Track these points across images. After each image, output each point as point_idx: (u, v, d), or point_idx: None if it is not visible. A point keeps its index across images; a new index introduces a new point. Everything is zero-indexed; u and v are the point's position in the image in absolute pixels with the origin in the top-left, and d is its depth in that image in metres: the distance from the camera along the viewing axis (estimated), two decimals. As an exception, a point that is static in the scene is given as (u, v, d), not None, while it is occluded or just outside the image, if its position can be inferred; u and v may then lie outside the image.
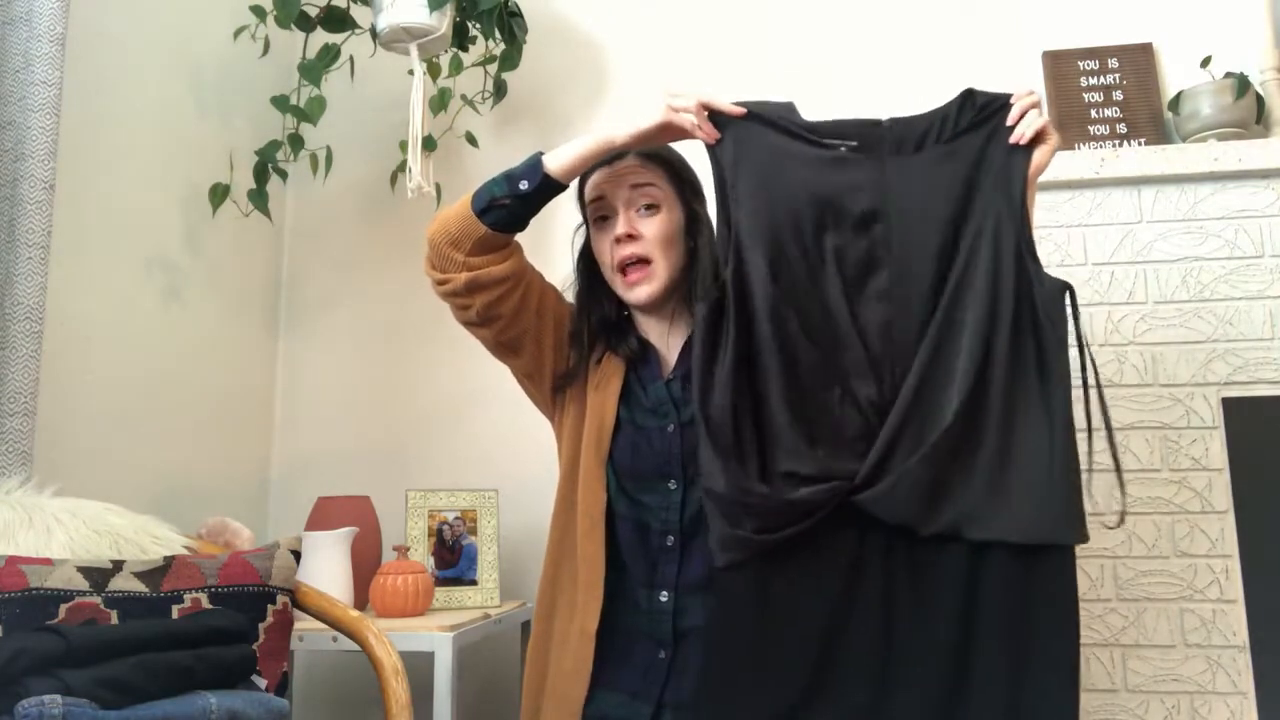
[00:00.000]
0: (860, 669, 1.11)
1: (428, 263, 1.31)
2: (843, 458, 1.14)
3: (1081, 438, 1.15)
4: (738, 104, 1.22)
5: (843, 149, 1.20)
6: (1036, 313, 1.15)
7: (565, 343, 1.38)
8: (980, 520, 1.11)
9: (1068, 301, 1.16)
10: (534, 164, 1.26)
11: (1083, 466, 1.13)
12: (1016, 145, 1.19)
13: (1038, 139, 1.19)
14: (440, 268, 1.29)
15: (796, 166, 1.20)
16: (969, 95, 1.21)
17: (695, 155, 1.32)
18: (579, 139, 1.26)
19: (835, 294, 1.18)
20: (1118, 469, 1.22)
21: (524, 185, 1.25)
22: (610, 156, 1.38)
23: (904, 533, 1.13)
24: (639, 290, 1.33)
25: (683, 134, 1.24)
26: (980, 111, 1.21)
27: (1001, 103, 1.21)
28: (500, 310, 1.30)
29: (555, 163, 1.25)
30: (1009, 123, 1.20)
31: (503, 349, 1.35)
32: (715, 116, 1.22)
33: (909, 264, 1.18)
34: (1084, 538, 1.12)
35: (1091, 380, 1.18)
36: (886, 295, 1.18)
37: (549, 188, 1.26)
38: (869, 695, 1.11)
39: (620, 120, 1.25)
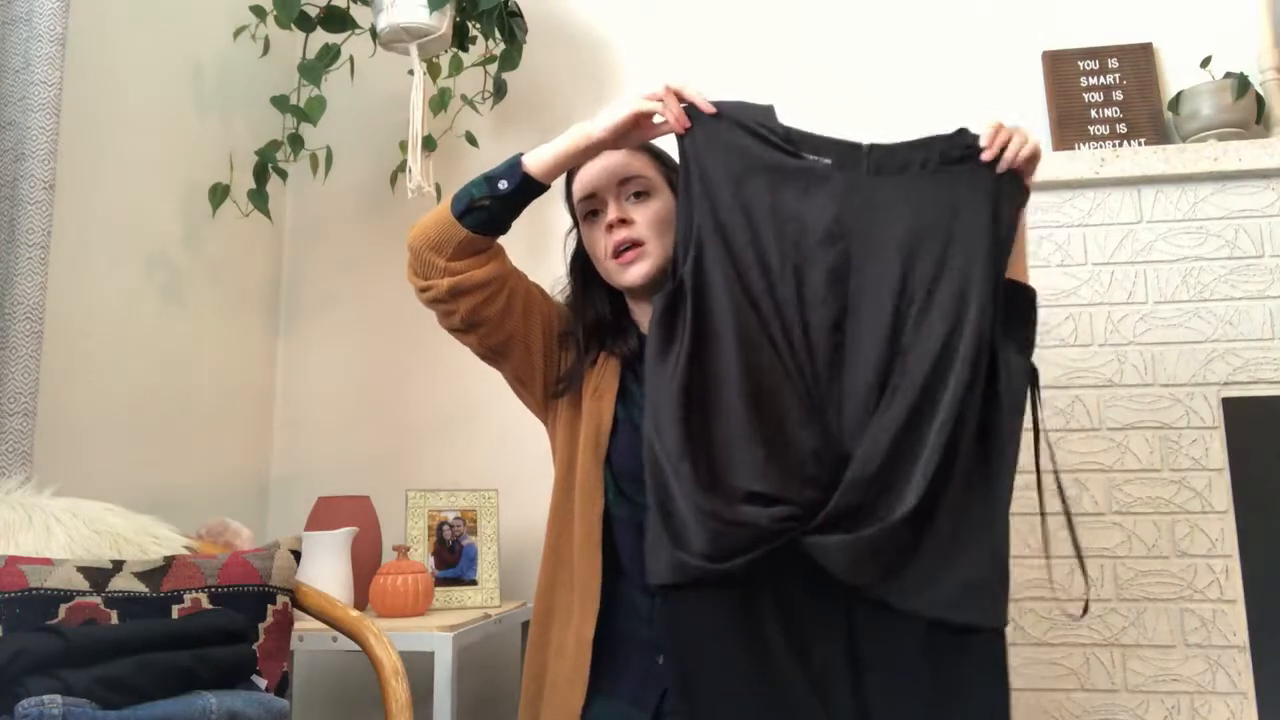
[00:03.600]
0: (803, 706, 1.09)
1: (410, 270, 1.29)
2: (794, 480, 1.09)
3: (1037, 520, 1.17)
4: (714, 103, 1.20)
5: (816, 162, 1.17)
6: (998, 390, 1.12)
7: (555, 344, 1.37)
8: (926, 594, 1.09)
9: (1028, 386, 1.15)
10: (513, 164, 1.24)
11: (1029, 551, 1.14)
12: (1004, 181, 1.16)
13: (1030, 162, 1.18)
14: (422, 274, 1.27)
15: (765, 171, 1.17)
16: (962, 131, 1.19)
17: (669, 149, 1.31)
18: (557, 138, 1.24)
19: (790, 310, 1.14)
20: (1069, 523, 1.24)
21: (503, 185, 1.23)
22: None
23: (849, 591, 1.10)
24: (634, 270, 1.31)
25: (656, 129, 1.23)
26: (969, 148, 1.18)
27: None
28: (485, 315, 1.28)
29: (534, 162, 1.23)
30: (985, 155, 1.17)
31: (491, 354, 1.34)
32: (690, 110, 1.20)
33: (866, 295, 1.14)
34: (1002, 620, 1.13)
35: (1047, 466, 1.19)
36: (840, 324, 1.14)
37: (529, 188, 1.24)
38: None
39: (596, 116, 1.24)
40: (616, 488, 1.30)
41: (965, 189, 1.17)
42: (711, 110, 1.20)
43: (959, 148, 1.18)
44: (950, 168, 1.17)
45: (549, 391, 1.36)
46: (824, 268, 1.15)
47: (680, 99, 1.21)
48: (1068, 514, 1.21)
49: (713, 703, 1.09)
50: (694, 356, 1.12)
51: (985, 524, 1.11)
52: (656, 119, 1.22)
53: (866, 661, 1.10)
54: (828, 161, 1.17)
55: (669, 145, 1.28)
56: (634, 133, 1.24)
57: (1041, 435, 1.19)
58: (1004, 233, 1.16)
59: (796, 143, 1.18)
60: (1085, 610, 1.29)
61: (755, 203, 1.16)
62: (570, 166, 1.28)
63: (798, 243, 1.15)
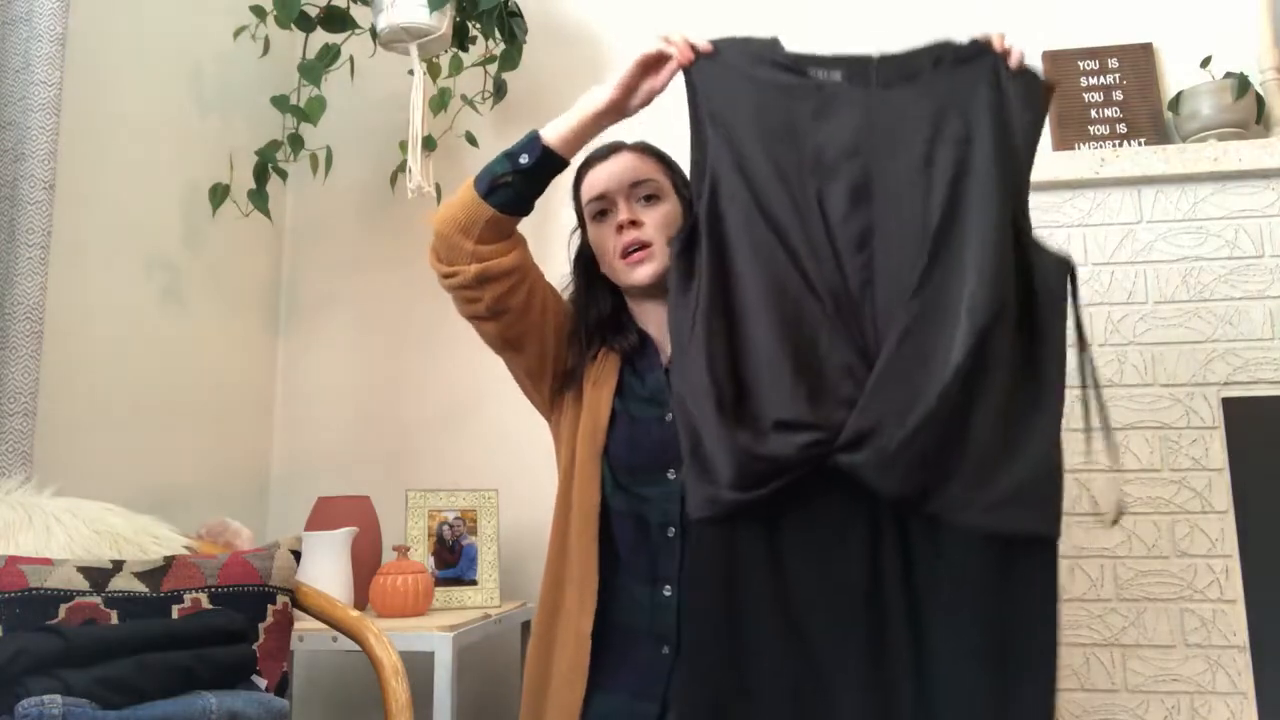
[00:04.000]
0: (837, 650, 1.06)
1: (433, 255, 1.29)
2: (826, 403, 1.06)
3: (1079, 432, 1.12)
4: (716, 41, 1.19)
5: (826, 78, 1.14)
6: (1032, 286, 1.09)
7: (565, 341, 1.38)
8: (968, 505, 1.05)
9: (1068, 280, 1.11)
10: (531, 138, 1.24)
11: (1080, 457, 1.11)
12: (1018, 80, 1.13)
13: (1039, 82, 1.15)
14: (448, 259, 1.27)
15: (776, 97, 1.14)
16: (970, 40, 1.16)
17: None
18: (571, 109, 1.24)
19: (816, 233, 1.10)
20: (1107, 433, 1.19)
21: (524, 160, 1.23)
22: (606, 152, 1.39)
23: (891, 508, 1.06)
24: (641, 270, 1.32)
25: (663, 73, 1.20)
26: (977, 46, 1.15)
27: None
28: (509, 303, 1.29)
29: (553, 134, 1.23)
30: (996, 45, 1.15)
31: (507, 345, 1.34)
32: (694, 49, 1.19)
33: (890, 207, 1.10)
34: (1060, 532, 1.08)
35: (1088, 367, 1.14)
36: (868, 240, 1.10)
37: (549, 161, 1.24)
38: (836, 671, 1.06)
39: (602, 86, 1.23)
40: (614, 480, 1.30)
41: (981, 88, 1.14)
42: (711, 49, 1.18)
43: (967, 48, 1.16)
44: (960, 68, 1.15)
45: (554, 387, 1.37)
46: (845, 187, 1.11)
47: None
48: (1102, 407, 1.14)
49: (737, 640, 1.07)
50: (715, 291, 1.10)
51: (1030, 424, 1.06)
52: (663, 59, 1.20)
53: (915, 585, 1.06)
54: (837, 77, 1.15)
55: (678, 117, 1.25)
56: (643, 85, 1.22)
57: (1085, 335, 1.14)
58: (1023, 131, 1.13)
59: (804, 63, 1.16)
60: (1117, 518, 1.27)
61: (769, 130, 1.13)
62: (588, 135, 1.26)
63: (816, 165, 1.12)
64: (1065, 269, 1.12)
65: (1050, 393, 1.09)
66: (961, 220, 1.09)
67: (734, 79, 1.16)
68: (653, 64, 1.21)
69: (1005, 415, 1.06)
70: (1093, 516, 1.90)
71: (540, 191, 1.27)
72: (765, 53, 1.17)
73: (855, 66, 1.15)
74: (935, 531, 1.06)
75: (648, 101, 1.24)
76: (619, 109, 1.23)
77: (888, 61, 1.15)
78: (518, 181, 1.23)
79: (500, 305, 1.28)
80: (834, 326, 1.08)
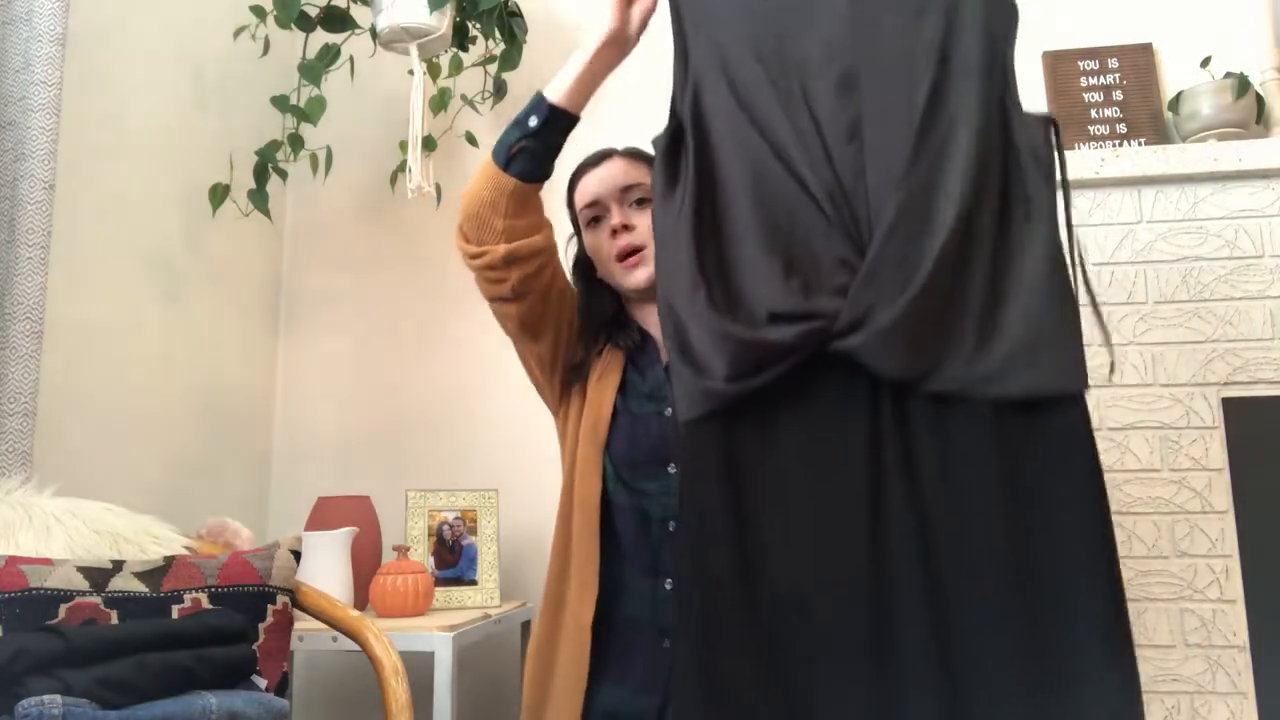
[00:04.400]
0: (846, 536, 1.00)
1: (461, 236, 1.29)
2: (820, 294, 1.03)
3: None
4: None
5: None
6: (1018, 148, 1.07)
7: (576, 335, 1.39)
8: (972, 376, 1.00)
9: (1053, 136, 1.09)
10: (536, 100, 1.24)
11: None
12: None
13: None
14: (476, 239, 1.27)
15: None
16: None
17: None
18: (568, 62, 1.23)
19: (805, 126, 1.08)
20: (1096, 311, 1.13)
21: (533, 122, 1.23)
22: (598, 158, 1.41)
23: (895, 388, 1.02)
24: (638, 273, 1.34)
25: None
26: None
27: None
28: (533, 286, 1.30)
29: (556, 91, 1.23)
30: None
31: (525, 329, 1.34)
32: None
33: (878, 93, 1.09)
34: (1087, 382, 1.01)
35: (1073, 220, 1.11)
36: (857, 130, 1.08)
37: (558, 118, 1.24)
38: (853, 558, 1.00)
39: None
40: (616, 475, 1.31)
41: None
42: None
43: None
44: None
45: (564, 381, 1.38)
46: (832, 80, 1.10)
47: None
48: (1085, 274, 1.09)
49: (739, 542, 1.02)
50: (701, 189, 1.08)
51: (1031, 273, 1.03)
52: None
53: (922, 466, 1.01)
54: None
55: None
56: (634, 8, 1.21)
57: (1066, 189, 1.11)
58: (1004, 9, 1.11)
59: None
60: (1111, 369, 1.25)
61: (752, 30, 1.12)
62: (595, 80, 1.25)
63: (802, 61, 1.11)
64: (1049, 126, 1.09)
65: (1048, 256, 1.05)
66: (948, 100, 1.07)
67: None
68: None
69: (1001, 285, 1.03)
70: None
71: (556, 150, 1.26)
72: None
73: None
74: (941, 414, 1.01)
75: (644, 25, 1.23)
76: (619, 39, 1.22)
77: None
78: (531, 144, 1.23)
79: (525, 287, 1.29)
80: (827, 221, 1.06)
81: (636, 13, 1.22)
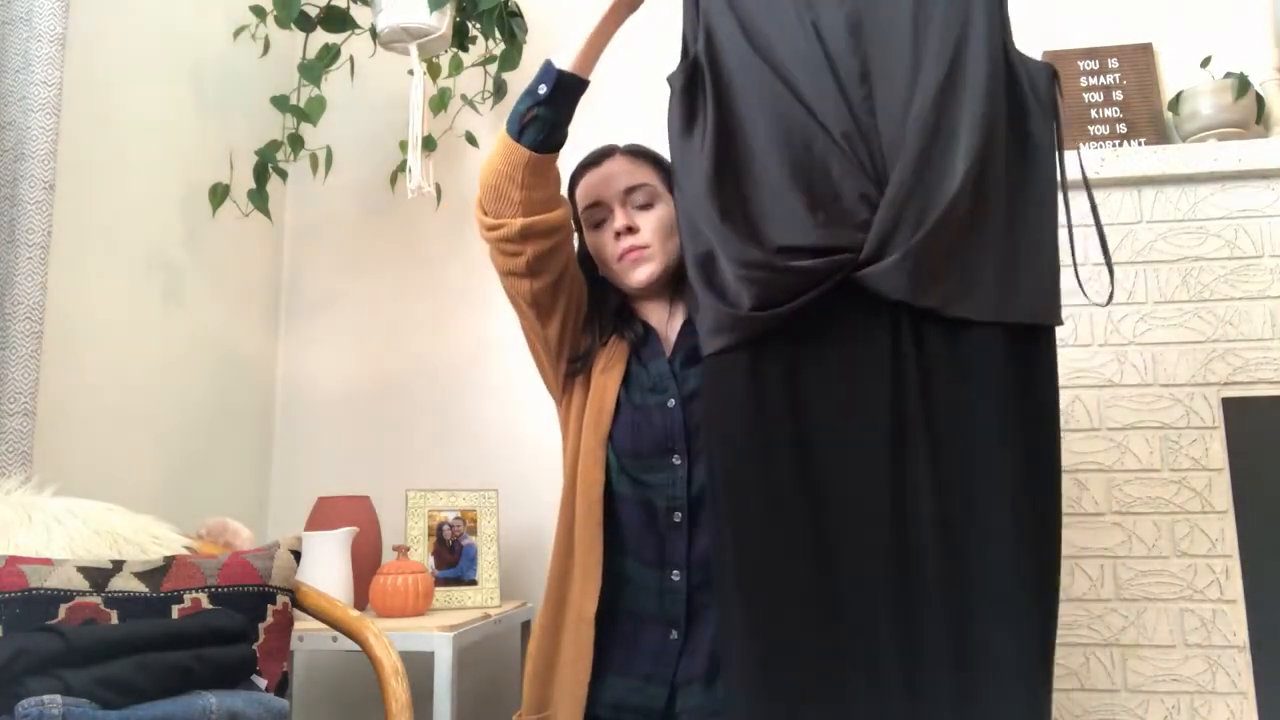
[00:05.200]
0: (868, 456, 1.08)
1: (479, 208, 1.30)
2: (843, 227, 1.08)
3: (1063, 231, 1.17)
4: None
5: None
6: (1022, 92, 1.12)
7: (584, 321, 1.40)
8: (988, 300, 1.08)
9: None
10: (545, 68, 1.25)
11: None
12: None
13: None
14: (494, 211, 1.28)
15: None
16: None
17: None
18: (578, 30, 1.25)
19: (817, 65, 1.12)
20: (1105, 253, 1.23)
21: (542, 90, 1.23)
22: (599, 156, 1.40)
23: (910, 311, 1.09)
24: (640, 270, 1.35)
25: None
26: None
27: None
28: (548, 264, 1.30)
29: (565, 59, 1.24)
30: None
31: (535, 307, 1.34)
32: None
33: (883, 35, 1.13)
34: (1062, 319, 1.14)
35: (1073, 220, 1.19)
36: (867, 73, 1.13)
37: (568, 84, 1.24)
38: (876, 479, 1.08)
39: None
40: (619, 466, 1.32)
41: None
42: None
43: None
44: None
45: (568, 370, 1.38)
46: (842, 17, 1.14)
47: None
48: (1096, 217, 1.20)
49: (766, 470, 1.09)
50: (720, 126, 1.11)
51: (1034, 219, 1.11)
52: None
53: (939, 389, 1.09)
54: None
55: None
56: None
57: (1059, 131, 1.17)
58: None
59: None
60: (1110, 298, 1.32)
61: None
62: (603, 42, 1.26)
63: (810, 2, 1.15)
64: (1050, 74, 1.15)
65: (1050, 190, 1.13)
66: (955, 39, 1.12)
67: None
68: None
69: (1011, 218, 1.10)
70: (1093, 515, 1.90)
71: (569, 116, 1.27)
72: None
73: None
74: (954, 336, 1.09)
75: None
76: (624, 3, 1.24)
77: None
78: (543, 112, 1.24)
79: (539, 264, 1.29)
80: (844, 156, 1.10)
81: None
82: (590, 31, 1.24)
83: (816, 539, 1.08)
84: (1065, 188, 1.17)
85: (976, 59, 1.10)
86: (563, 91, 1.24)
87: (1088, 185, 1.23)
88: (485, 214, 1.29)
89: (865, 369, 1.09)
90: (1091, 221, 1.24)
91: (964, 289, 1.08)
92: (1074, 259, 1.20)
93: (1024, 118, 1.13)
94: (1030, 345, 1.11)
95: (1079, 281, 1.24)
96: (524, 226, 1.26)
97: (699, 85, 1.14)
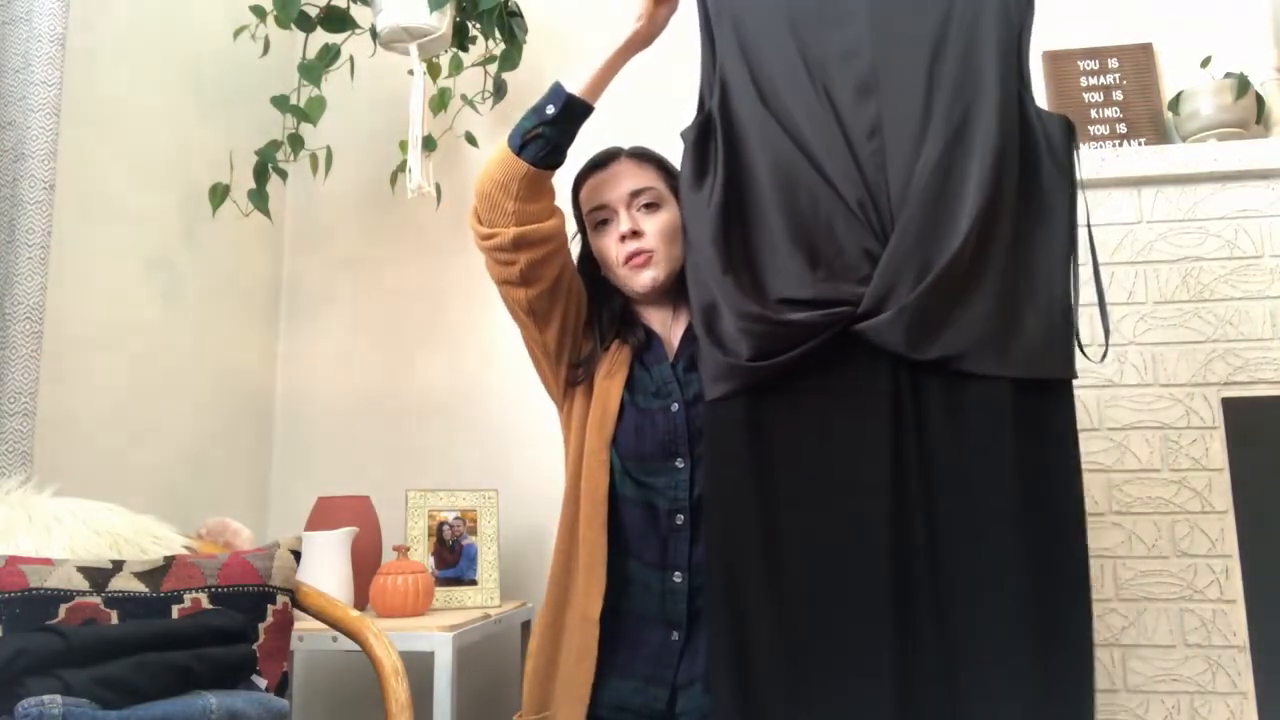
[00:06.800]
0: (871, 496, 1.08)
1: (474, 216, 1.31)
2: (845, 282, 1.10)
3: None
4: None
5: None
6: (1037, 146, 1.13)
7: (584, 327, 1.40)
8: (989, 353, 1.08)
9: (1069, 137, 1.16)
10: (555, 89, 1.27)
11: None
12: None
13: None
14: (488, 220, 1.29)
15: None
16: None
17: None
18: (592, 59, 1.28)
19: (828, 119, 1.14)
20: (1102, 305, 1.24)
21: (550, 110, 1.26)
22: (604, 159, 1.41)
23: (911, 366, 1.09)
24: (644, 275, 1.35)
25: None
26: None
27: None
28: (542, 272, 1.31)
29: (576, 84, 1.27)
30: None
31: (531, 315, 1.35)
32: None
33: (896, 97, 1.15)
34: (1076, 373, 1.13)
35: (1084, 220, 1.18)
36: (877, 130, 1.14)
37: (575, 108, 1.27)
38: (874, 526, 1.08)
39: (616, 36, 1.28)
40: (623, 468, 1.32)
41: None
42: None
43: None
44: None
45: (569, 378, 1.38)
46: (852, 77, 1.16)
47: None
48: (1096, 268, 1.20)
49: (768, 523, 1.10)
50: (729, 180, 1.14)
51: (1043, 273, 1.11)
52: None
53: (931, 450, 1.09)
54: None
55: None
56: (661, 8, 1.27)
57: (1080, 190, 1.17)
58: (1018, 8, 1.17)
59: None
60: (1104, 356, 1.32)
61: (776, 27, 1.18)
62: (611, 76, 1.30)
63: (823, 58, 1.16)
64: (1067, 128, 1.16)
65: (1061, 244, 1.13)
66: (967, 95, 1.13)
67: None
68: None
69: (1015, 273, 1.11)
70: (1093, 516, 1.90)
71: (570, 139, 1.29)
72: None
73: None
74: (954, 388, 1.09)
75: (667, 23, 1.30)
76: (646, 38, 1.29)
77: None
78: (547, 132, 1.26)
79: (533, 273, 1.30)
80: (851, 213, 1.12)
81: (664, 12, 1.28)
82: (602, 63, 1.27)
83: (813, 592, 1.09)
84: (1093, 244, 1.17)
85: (987, 115, 1.11)
86: (569, 114, 1.26)
87: (1091, 242, 1.22)
88: (480, 223, 1.30)
89: (865, 418, 1.10)
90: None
91: (964, 343, 1.09)
92: (1095, 266, 1.20)
93: (1036, 172, 1.13)
94: (1038, 397, 1.10)
95: (1078, 341, 1.20)
96: (517, 236, 1.27)
97: (711, 138, 1.16)
